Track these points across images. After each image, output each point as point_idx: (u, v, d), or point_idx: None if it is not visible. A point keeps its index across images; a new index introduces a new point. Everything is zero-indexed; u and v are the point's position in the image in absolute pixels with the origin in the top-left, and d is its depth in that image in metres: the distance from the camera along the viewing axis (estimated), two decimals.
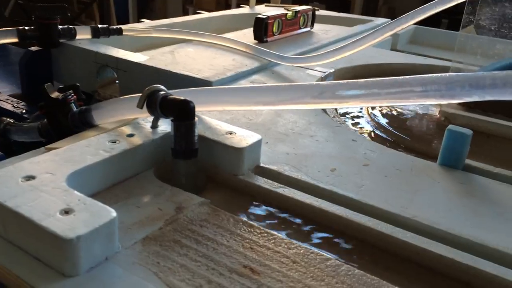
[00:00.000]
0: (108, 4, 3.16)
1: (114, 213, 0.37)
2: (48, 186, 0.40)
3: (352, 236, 0.45)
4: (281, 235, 0.43)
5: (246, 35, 1.13)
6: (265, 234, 0.42)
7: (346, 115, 0.80)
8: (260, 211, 0.49)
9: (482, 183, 0.54)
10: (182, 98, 0.49)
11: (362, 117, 0.80)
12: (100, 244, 0.36)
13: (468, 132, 0.54)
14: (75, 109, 0.60)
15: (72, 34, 0.95)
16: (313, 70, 0.93)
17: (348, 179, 0.52)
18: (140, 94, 0.51)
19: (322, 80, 0.90)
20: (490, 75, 0.40)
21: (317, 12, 1.32)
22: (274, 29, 1.13)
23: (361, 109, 0.83)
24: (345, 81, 0.48)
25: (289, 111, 0.71)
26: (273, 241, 0.41)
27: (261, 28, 1.09)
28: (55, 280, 0.35)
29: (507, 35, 0.74)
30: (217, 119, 0.57)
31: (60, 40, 0.95)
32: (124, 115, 0.56)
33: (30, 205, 0.37)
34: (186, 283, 0.36)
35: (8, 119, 0.75)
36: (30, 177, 0.41)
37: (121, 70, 0.87)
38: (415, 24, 0.86)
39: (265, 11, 1.41)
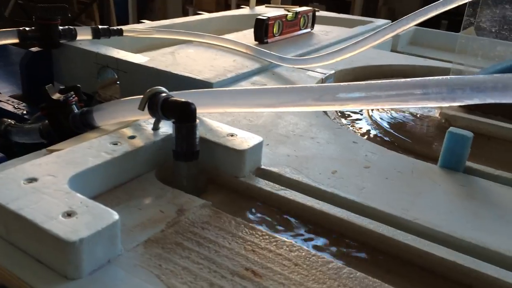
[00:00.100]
0: (108, 4, 3.16)
1: (116, 216, 0.37)
2: (50, 188, 0.40)
3: (354, 238, 0.45)
4: (283, 237, 0.43)
5: (247, 36, 1.13)
6: (267, 237, 0.42)
7: (347, 117, 0.80)
8: (261, 213, 0.49)
9: (483, 185, 0.54)
10: (183, 100, 0.49)
11: (363, 119, 0.80)
12: (103, 247, 0.36)
13: (469, 134, 0.54)
14: (76, 110, 0.60)
15: (72, 35, 0.95)
16: (313, 71, 0.93)
17: (349, 181, 0.52)
18: (141, 96, 0.51)
19: (322, 82, 0.90)
20: (491, 78, 0.40)
21: (317, 13, 1.32)
22: (275, 30, 1.13)
23: (361, 110, 0.83)
24: (347, 83, 0.48)
25: (289, 113, 0.71)
26: (274, 243, 0.41)
27: (262, 29, 1.09)
28: (58, 282, 0.35)
29: (508, 37, 0.74)
30: (218, 121, 0.57)
31: (61, 41, 0.95)
32: (125, 117, 0.56)
33: (33, 207, 0.37)
34: (188, 286, 0.36)
35: (9, 120, 0.75)
36: (32, 179, 0.41)
37: (122, 71, 0.87)
38: (415, 25, 0.86)
39: (265, 12, 1.41)
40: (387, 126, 0.76)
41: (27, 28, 0.90)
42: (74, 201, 0.38)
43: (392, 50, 1.34)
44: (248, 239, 0.42)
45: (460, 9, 0.81)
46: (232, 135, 0.53)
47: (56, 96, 0.61)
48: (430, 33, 1.46)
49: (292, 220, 0.48)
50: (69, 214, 0.37)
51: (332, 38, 1.22)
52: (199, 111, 0.49)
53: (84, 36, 0.97)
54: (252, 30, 1.11)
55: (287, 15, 1.17)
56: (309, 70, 0.93)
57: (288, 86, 0.52)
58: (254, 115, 0.69)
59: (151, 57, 0.89)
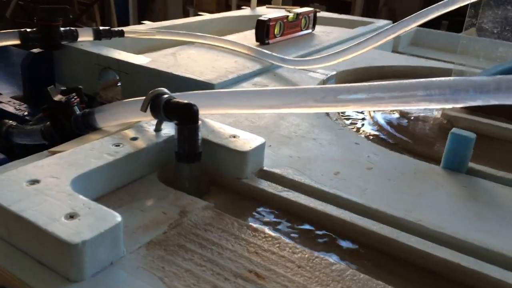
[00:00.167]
0: (108, 5, 3.16)
1: (119, 218, 0.37)
2: (53, 190, 0.40)
3: (356, 240, 0.45)
4: (286, 239, 0.43)
5: (248, 37, 1.13)
6: (270, 239, 0.42)
7: (348, 118, 0.80)
8: (264, 215, 0.49)
9: (486, 186, 0.54)
10: (185, 101, 0.49)
11: (364, 119, 0.80)
12: (105, 249, 0.36)
13: (472, 135, 0.54)
14: (78, 112, 0.60)
15: (74, 36, 0.95)
16: (315, 72, 0.93)
17: (352, 182, 0.52)
18: (143, 97, 0.51)
19: (324, 83, 0.90)
20: (494, 80, 0.40)
21: (317, 14, 1.32)
22: (276, 31, 1.13)
23: (363, 111, 0.83)
24: (349, 84, 0.48)
25: (291, 114, 0.71)
26: (277, 245, 0.41)
27: (263, 30, 1.09)
28: (60, 285, 0.35)
29: (510, 38, 0.74)
30: (219, 122, 0.57)
31: (62, 42, 0.95)
32: (127, 118, 0.56)
33: (35, 209, 0.37)
34: None
35: (11, 121, 0.75)
36: (34, 181, 0.41)
37: (123, 72, 0.87)
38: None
39: (266, 12, 1.41)
40: (389, 127, 0.76)
41: (28, 30, 0.90)
42: (76, 203, 0.38)
43: (393, 51, 1.33)
44: (251, 241, 0.42)
45: (460, 9, 0.81)
46: (234, 137, 0.53)
47: (58, 97, 0.61)
48: (431, 34, 1.46)
49: (295, 221, 0.47)
50: (71, 216, 0.36)
51: (333, 39, 1.22)
52: (201, 113, 0.49)
53: (85, 37, 0.97)
54: (253, 31, 1.11)
55: (288, 16, 1.17)
56: (310, 71, 0.93)
57: (290, 87, 0.52)
58: (256, 116, 0.69)
59: (152, 58, 0.89)
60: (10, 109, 0.91)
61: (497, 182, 0.55)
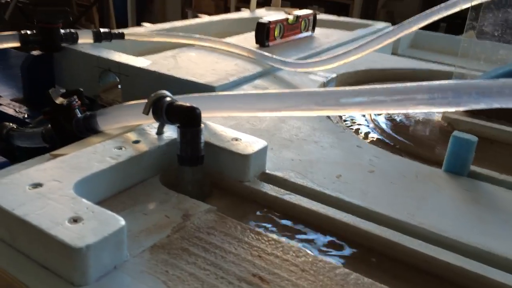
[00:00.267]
0: (107, 7, 3.16)
1: (122, 222, 0.37)
2: (56, 194, 0.40)
3: (360, 243, 0.45)
4: (289, 242, 0.43)
5: (248, 40, 1.13)
6: (273, 242, 0.42)
7: (349, 121, 0.80)
8: (266, 218, 0.49)
9: (488, 190, 0.54)
10: (188, 104, 0.49)
11: (365, 122, 0.80)
12: (109, 253, 0.36)
13: (474, 138, 0.54)
14: (79, 114, 0.60)
15: (74, 38, 0.95)
16: (315, 75, 0.93)
17: (354, 185, 0.52)
18: (144, 100, 0.51)
19: (324, 85, 0.90)
20: (497, 83, 0.40)
21: (317, 16, 1.32)
22: (276, 33, 1.13)
23: (364, 114, 0.83)
24: (351, 88, 0.48)
25: (292, 117, 0.71)
26: (281, 249, 0.41)
27: (263, 33, 1.09)
28: None
29: (511, 41, 0.74)
30: (221, 125, 0.57)
31: (62, 45, 0.95)
32: (129, 121, 0.56)
33: (38, 213, 0.37)
34: None
35: (11, 124, 0.75)
36: (37, 185, 0.41)
37: (124, 74, 0.87)
38: None
39: (265, 15, 1.41)
40: (390, 129, 0.76)
41: (28, 32, 0.90)
42: (80, 207, 0.38)
43: (392, 53, 1.34)
44: (254, 244, 0.42)
45: (458, 12, 0.81)
46: (236, 140, 0.53)
47: (59, 100, 0.61)
48: (430, 36, 1.47)
49: (298, 225, 0.47)
50: (75, 220, 0.36)
51: (333, 41, 1.22)
52: (203, 115, 0.49)
53: (85, 39, 0.97)
54: (253, 33, 1.11)
55: (288, 18, 1.17)
56: (311, 73, 0.93)
57: (291, 90, 0.52)
58: (257, 119, 0.69)
59: (152, 61, 0.89)
60: (10, 111, 0.91)
61: (499, 185, 0.55)
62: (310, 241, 0.45)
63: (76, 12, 3.30)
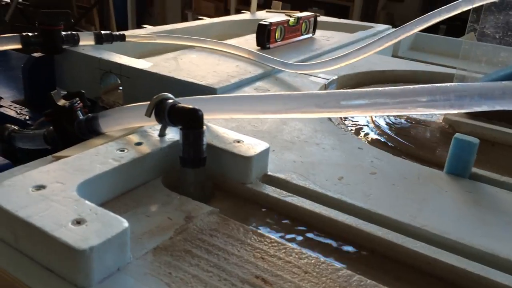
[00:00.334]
0: (108, 9, 3.16)
1: (126, 224, 0.37)
2: (59, 195, 0.40)
3: (362, 245, 0.45)
4: (291, 244, 0.43)
5: (249, 41, 1.13)
6: (276, 244, 0.42)
7: (350, 123, 0.80)
8: (268, 220, 0.49)
9: (489, 191, 0.54)
10: (190, 106, 0.49)
11: (366, 124, 0.80)
12: (113, 255, 0.36)
13: (475, 140, 0.54)
14: (81, 116, 0.60)
15: (75, 40, 0.95)
16: (316, 77, 0.93)
17: (356, 187, 0.52)
18: (146, 102, 0.51)
19: (325, 87, 0.90)
20: (499, 85, 0.41)
21: (317, 18, 1.32)
22: (277, 35, 1.13)
23: (365, 116, 0.83)
24: (354, 90, 0.48)
25: (294, 118, 0.71)
26: (283, 251, 0.41)
27: (264, 35, 1.09)
28: None
29: None
30: (222, 127, 0.57)
31: (63, 46, 0.95)
32: (131, 123, 0.56)
33: (42, 215, 0.37)
34: None
35: (13, 126, 0.75)
36: (40, 187, 0.41)
37: (125, 76, 0.87)
38: None
39: (266, 17, 1.41)
40: (391, 131, 0.76)
41: (29, 34, 0.90)
42: (83, 209, 0.38)
43: (393, 55, 1.34)
44: (257, 246, 0.42)
45: (458, 14, 0.81)
46: (238, 142, 0.53)
47: (61, 102, 0.61)
48: (430, 38, 1.47)
49: (300, 227, 0.47)
50: (78, 222, 0.36)
51: (334, 43, 1.23)
52: (205, 117, 0.49)
53: (86, 41, 0.97)
54: (254, 35, 1.12)
55: (289, 20, 1.17)
56: (312, 75, 0.93)
57: (293, 92, 0.52)
58: (258, 121, 0.69)
59: (154, 63, 0.89)
60: (12, 113, 0.91)
61: (501, 187, 0.55)
62: (313, 243, 0.45)
63: (76, 14, 3.30)
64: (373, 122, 0.80)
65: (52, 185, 0.41)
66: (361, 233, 0.45)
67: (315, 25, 1.30)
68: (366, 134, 0.76)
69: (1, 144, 0.75)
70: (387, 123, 0.80)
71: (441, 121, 0.80)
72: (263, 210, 0.50)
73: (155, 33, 1.12)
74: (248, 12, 1.68)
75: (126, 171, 0.47)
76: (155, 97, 0.51)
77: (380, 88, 0.47)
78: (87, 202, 0.39)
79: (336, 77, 0.94)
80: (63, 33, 0.93)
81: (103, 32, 1.00)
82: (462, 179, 0.56)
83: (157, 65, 0.87)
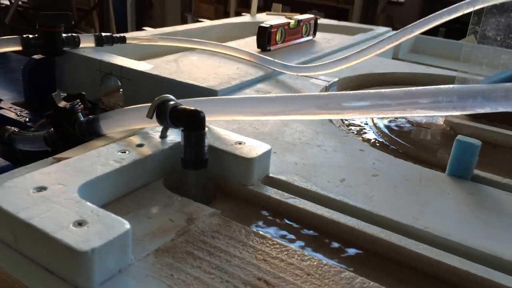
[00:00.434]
0: (107, 11, 3.17)
1: (127, 225, 0.36)
2: (60, 197, 0.40)
3: (365, 247, 0.45)
4: (294, 246, 0.42)
5: (249, 44, 1.13)
6: (278, 246, 0.42)
7: (351, 124, 0.80)
8: (270, 222, 0.48)
9: (491, 193, 0.54)
10: (192, 108, 0.49)
11: (367, 126, 0.80)
12: (114, 256, 0.36)
13: (477, 142, 0.54)
14: (82, 118, 0.60)
15: (76, 42, 0.95)
16: (317, 79, 0.93)
17: (358, 189, 0.52)
18: (148, 104, 0.51)
19: (326, 89, 0.90)
20: (502, 87, 0.40)
21: (318, 21, 1.32)
22: (277, 38, 1.13)
23: (366, 118, 0.83)
24: (355, 91, 0.48)
25: (295, 120, 0.71)
26: (286, 252, 0.41)
27: (265, 37, 1.09)
28: None
29: None
30: (224, 129, 0.57)
31: (64, 48, 0.95)
32: (132, 125, 0.56)
33: (43, 216, 0.37)
34: None
35: (13, 127, 0.75)
36: (41, 188, 0.41)
37: (126, 78, 0.87)
38: None
39: (266, 19, 1.41)
40: (392, 133, 0.76)
41: (30, 36, 0.90)
42: (84, 210, 0.38)
43: (393, 58, 1.34)
44: (259, 248, 0.41)
45: (458, 16, 0.81)
46: (240, 143, 0.53)
47: (62, 103, 0.61)
48: (430, 41, 1.47)
49: (302, 228, 0.47)
50: (80, 224, 0.36)
51: (334, 45, 1.23)
52: (207, 119, 0.49)
53: (87, 43, 0.97)
54: (254, 37, 1.12)
55: (289, 22, 1.17)
56: (312, 77, 0.93)
57: (294, 94, 0.52)
58: (260, 122, 0.69)
59: (154, 65, 0.89)
60: (12, 115, 0.90)
61: (503, 189, 0.55)
62: (315, 245, 0.45)
63: (76, 16, 3.30)
64: (374, 124, 0.80)
65: (53, 187, 0.41)
66: (364, 235, 0.44)
67: (316, 28, 1.30)
68: (368, 136, 0.76)
69: (1, 146, 0.75)
70: (388, 126, 0.80)
71: (442, 123, 0.80)
72: (265, 212, 0.50)
73: (155, 35, 1.12)
74: (248, 15, 1.68)
75: (127, 173, 0.47)
76: (156, 98, 0.50)
77: (382, 90, 0.46)
78: (88, 203, 0.39)
79: (337, 79, 0.94)
80: (64, 35, 0.93)
81: (103, 34, 1.00)
82: (464, 181, 0.56)
83: (157, 67, 0.87)
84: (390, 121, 0.82)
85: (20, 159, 0.75)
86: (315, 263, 0.40)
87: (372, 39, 1.33)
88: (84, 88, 0.86)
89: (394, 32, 0.87)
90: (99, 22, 3.34)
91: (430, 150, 0.72)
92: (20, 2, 2.98)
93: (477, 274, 0.39)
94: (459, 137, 0.55)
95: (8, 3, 2.99)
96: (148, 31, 1.26)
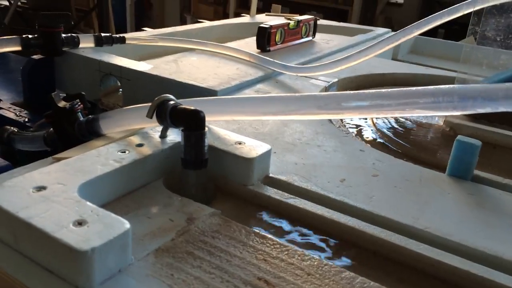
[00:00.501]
0: (107, 12, 3.16)
1: (128, 225, 0.36)
2: (60, 196, 0.39)
3: (365, 247, 0.44)
4: (294, 246, 0.42)
5: (249, 44, 1.13)
6: (278, 246, 0.42)
7: (351, 125, 0.80)
8: (270, 222, 0.48)
9: (492, 194, 0.54)
10: (192, 108, 0.49)
11: (367, 127, 0.80)
12: (114, 256, 0.35)
13: (478, 142, 0.54)
14: (81, 118, 0.60)
15: (75, 43, 0.95)
16: (317, 79, 0.93)
17: (358, 189, 0.52)
18: (147, 104, 0.51)
19: (326, 90, 0.90)
20: (503, 87, 0.40)
21: (317, 22, 1.32)
22: (277, 38, 1.13)
23: (366, 118, 0.83)
24: (355, 91, 0.48)
25: (295, 121, 0.71)
26: (286, 252, 0.41)
27: (264, 38, 1.09)
28: None
29: None
30: (224, 129, 0.57)
31: (63, 49, 0.94)
32: (132, 124, 0.56)
33: (43, 216, 0.37)
34: None
35: (12, 128, 0.75)
36: (41, 188, 0.41)
37: (125, 78, 0.87)
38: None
39: (266, 20, 1.41)
40: (392, 134, 0.76)
41: (29, 36, 0.90)
42: (84, 210, 0.38)
43: (392, 59, 1.34)
44: (259, 248, 0.41)
45: (457, 18, 0.81)
46: (240, 143, 0.53)
47: (62, 103, 0.61)
48: (429, 42, 1.47)
49: (303, 228, 0.47)
50: (79, 223, 0.36)
51: (334, 46, 1.23)
52: (207, 119, 0.48)
53: (86, 43, 0.97)
54: (254, 38, 1.11)
55: (289, 23, 1.17)
56: (312, 78, 0.93)
57: (294, 94, 0.52)
58: (259, 123, 0.69)
59: (154, 65, 0.89)
60: (11, 115, 0.90)
61: (503, 189, 0.55)
62: (315, 245, 0.45)
63: (75, 17, 3.30)
64: (374, 124, 0.80)
65: (53, 186, 0.41)
66: (364, 235, 0.44)
67: (315, 28, 1.30)
68: (367, 136, 0.76)
69: (1, 146, 0.75)
70: (388, 126, 0.80)
71: (442, 124, 0.80)
72: (265, 211, 0.50)
73: (155, 36, 1.12)
74: (248, 16, 1.68)
75: (127, 173, 0.47)
76: (156, 98, 0.50)
77: (382, 90, 0.46)
78: (88, 203, 0.39)
79: (336, 79, 0.94)
80: (63, 35, 0.93)
81: (103, 34, 1.00)
82: (464, 181, 0.56)
83: (157, 68, 0.87)
84: (390, 122, 0.82)
85: (19, 159, 0.75)
86: (315, 263, 0.40)
87: (372, 40, 1.33)
88: (84, 88, 0.86)
89: (394, 32, 0.87)
90: (98, 23, 3.34)
91: (430, 150, 0.72)
92: (19, 3, 2.98)
93: (478, 274, 0.39)
94: (459, 137, 0.55)
95: (7, 3, 2.98)
96: (148, 31, 1.26)
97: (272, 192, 0.50)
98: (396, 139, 0.74)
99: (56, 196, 0.39)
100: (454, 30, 3.10)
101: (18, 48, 0.89)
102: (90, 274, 0.34)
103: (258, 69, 0.93)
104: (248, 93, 0.82)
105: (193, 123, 0.48)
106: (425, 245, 0.43)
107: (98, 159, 0.47)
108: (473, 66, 0.78)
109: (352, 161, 0.59)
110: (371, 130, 0.78)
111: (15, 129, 0.74)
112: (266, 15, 1.72)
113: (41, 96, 0.96)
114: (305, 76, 0.94)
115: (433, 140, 0.77)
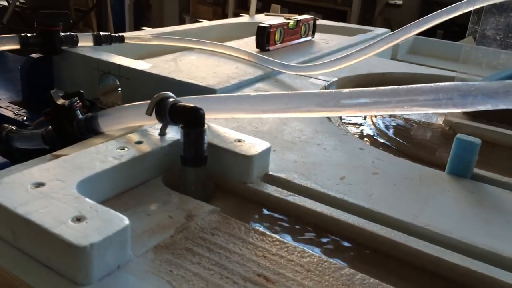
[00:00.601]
0: (106, 12, 3.16)
1: (126, 221, 0.36)
2: (59, 193, 0.39)
3: (365, 244, 0.44)
4: (294, 243, 0.42)
5: (248, 44, 1.13)
6: (278, 243, 0.42)
7: (350, 123, 0.80)
8: (270, 219, 0.48)
9: (491, 192, 0.54)
10: (192, 105, 0.48)
11: (366, 125, 0.80)
12: (113, 252, 0.35)
13: (477, 141, 0.54)
14: (80, 116, 0.60)
15: (74, 41, 0.95)
16: (316, 79, 0.93)
17: (358, 187, 0.52)
18: (147, 101, 0.51)
19: (325, 89, 0.90)
20: (504, 84, 0.40)
21: (316, 22, 1.32)
22: (276, 38, 1.13)
23: (365, 117, 0.83)
24: (355, 89, 0.48)
25: (294, 119, 0.71)
26: (285, 249, 0.41)
27: (263, 37, 1.09)
28: None
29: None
30: (223, 127, 0.56)
31: (62, 47, 0.94)
32: (130, 122, 0.56)
33: (41, 212, 0.36)
34: None
35: (10, 126, 0.75)
36: (39, 184, 0.40)
37: (124, 77, 0.87)
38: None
39: (265, 20, 1.41)
40: (391, 132, 0.76)
41: (28, 34, 0.90)
42: (83, 206, 0.38)
43: (392, 59, 1.34)
44: (259, 245, 0.41)
45: (456, 19, 0.81)
46: (239, 141, 0.53)
47: (61, 101, 0.61)
48: (429, 42, 1.47)
49: (302, 226, 0.47)
50: (78, 219, 0.36)
51: (333, 46, 1.23)
52: (206, 117, 0.48)
53: (85, 42, 0.97)
54: (253, 37, 1.11)
55: (288, 23, 1.17)
56: (311, 77, 0.93)
57: (294, 92, 0.52)
58: (259, 121, 0.69)
59: (153, 64, 0.88)
60: (9, 114, 0.90)
61: (502, 187, 0.55)
62: (315, 242, 0.45)
63: (74, 17, 3.30)
64: (374, 123, 0.80)
65: (51, 183, 0.41)
66: (364, 232, 0.44)
67: (314, 28, 1.30)
68: (367, 135, 0.76)
69: None
70: (388, 125, 0.80)
71: (441, 122, 0.80)
72: (265, 209, 0.50)
73: (154, 35, 1.12)
74: (247, 15, 1.68)
75: (126, 170, 0.47)
76: (155, 95, 0.50)
77: (382, 87, 0.46)
78: (87, 199, 0.39)
79: (336, 79, 0.94)
80: (62, 34, 0.93)
81: (102, 33, 1.00)
82: (464, 180, 0.56)
83: (156, 66, 0.87)
84: (389, 120, 0.82)
85: (18, 157, 0.75)
86: (315, 259, 0.40)
87: (371, 40, 1.33)
88: (82, 87, 0.85)
89: (393, 32, 0.87)
90: (97, 23, 3.33)
91: (429, 149, 0.72)
92: (18, 3, 2.97)
93: (477, 271, 0.39)
94: (459, 135, 0.55)
95: (5, 3, 2.98)
96: (147, 31, 1.26)
97: (272, 190, 0.50)
98: (396, 137, 0.74)
99: (54, 192, 0.39)
100: (453, 31, 3.10)
101: (17, 47, 0.89)
102: (89, 270, 0.34)
103: (258, 68, 0.93)
104: (247, 92, 0.82)
105: (192, 120, 0.47)
106: (424, 242, 0.43)
107: (97, 156, 0.47)
108: (473, 65, 0.78)
109: (352, 159, 0.59)
110: (371, 128, 0.78)
111: (14, 127, 0.74)
112: (266, 15, 1.72)
113: (39, 94, 0.95)
114: (305, 75, 0.94)
115: (433, 138, 0.77)
